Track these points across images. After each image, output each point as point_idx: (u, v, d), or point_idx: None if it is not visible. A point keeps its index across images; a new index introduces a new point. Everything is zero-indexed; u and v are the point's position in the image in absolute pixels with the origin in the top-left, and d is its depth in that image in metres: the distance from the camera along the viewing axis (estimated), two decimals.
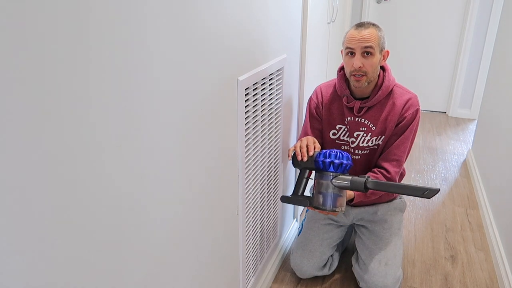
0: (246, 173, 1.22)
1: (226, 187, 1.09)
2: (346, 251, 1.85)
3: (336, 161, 1.24)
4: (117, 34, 0.60)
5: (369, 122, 1.46)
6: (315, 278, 1.68)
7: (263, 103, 1.28)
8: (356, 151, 1.51)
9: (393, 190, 1.21)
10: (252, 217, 1.34)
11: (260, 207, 1.41)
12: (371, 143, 1.48)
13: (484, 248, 1.89)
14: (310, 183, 1.40)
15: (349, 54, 1.37)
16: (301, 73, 1.72)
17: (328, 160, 1.25)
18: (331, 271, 1.67)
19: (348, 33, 1.38)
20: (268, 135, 1.38)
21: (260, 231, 1.46)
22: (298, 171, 1.39)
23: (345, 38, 1.39)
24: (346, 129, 1.51)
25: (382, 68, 1.45)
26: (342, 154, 1.26)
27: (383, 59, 1.41)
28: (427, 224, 2.08)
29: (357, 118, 1.48)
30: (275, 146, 1.48)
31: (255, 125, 1.24)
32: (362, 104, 1.45)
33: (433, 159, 2.83)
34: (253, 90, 1.19)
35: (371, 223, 1.59)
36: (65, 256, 0.57)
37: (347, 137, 1.52)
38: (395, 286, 1.49)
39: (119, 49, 0.61)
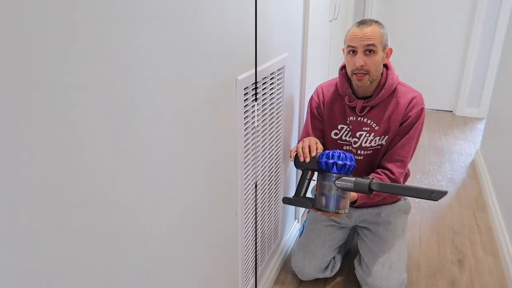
0: (245, 173, 1.20)
1: (225, 187, 1.08)
2: (349, 253, 1.82)
3: (339, 162, 1.21)
4: (115, 33, 0.60)
5: (372, 122, 1.43)
6: (317, 280, 1.65)
7: (263, 102, 1.26)
8: (359, 152, 1.48)
9: (398, 192, 1.17)
10: (252, 218, 1.32)
11: (260, 207, 1.39)
12: (374, 143, 1.45)
13: (493, 252, 1.84)
14: (312, 184, 1.38)
15: (351, 52, 1.34)
16: (303, 72, 1.69)
17: (331, 161, 1.22)
18: (333, 274, 1.64)
19: (350, 30, 1.35)
20: (269, 135, 1.36)
21: (261, 232, 1.44)
22: (300, 172, 1.37)
23: (346, 36, 1.36)
24: (348, 129, 1.48)
25: (385, 66, 1.42)
26: (345, 155, 1.23)
27: (386, 57, 1.38)
28: (433, 226, 2.03)
29: (359, 118, 1.44)
30: (276, 146, 1.46)
31: (255, 125, 1.21)
32: (364, 104, 1.41)
33: (439, 159, 2.77)
34: (253, 89, 1.17)
35: (374, 225, 1.56)
36: (64, 257, 0.57)
37: (349, 137, 1.49)
38: None
39: (118, 48, 0.60)
